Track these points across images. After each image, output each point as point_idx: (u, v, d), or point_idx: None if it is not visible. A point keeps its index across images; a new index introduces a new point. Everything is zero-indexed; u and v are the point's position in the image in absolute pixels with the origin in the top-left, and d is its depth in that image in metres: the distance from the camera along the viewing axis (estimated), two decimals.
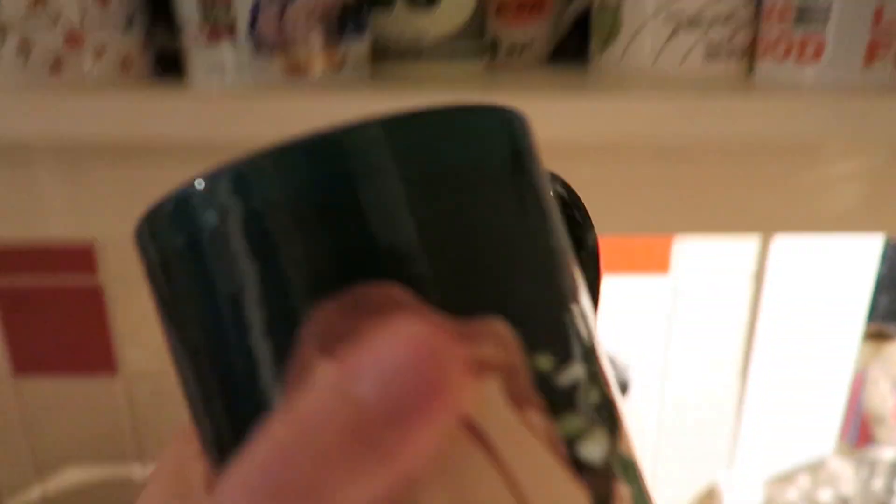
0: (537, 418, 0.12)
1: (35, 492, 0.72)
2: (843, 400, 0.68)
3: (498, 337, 0.12)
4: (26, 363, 0.66)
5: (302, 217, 0.12)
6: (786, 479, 0.71)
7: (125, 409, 0.68)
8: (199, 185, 0.12)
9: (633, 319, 0.63)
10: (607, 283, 0.61)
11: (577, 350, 0.13)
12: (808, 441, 0.70)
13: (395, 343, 0.10)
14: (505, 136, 0.14)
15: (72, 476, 0.71)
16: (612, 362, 0.64)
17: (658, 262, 0.61)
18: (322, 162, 0.12)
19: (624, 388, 0.63)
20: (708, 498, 0.71)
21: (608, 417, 0.14)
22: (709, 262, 0.62)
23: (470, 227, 0.13)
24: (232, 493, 0.10)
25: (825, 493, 0.69)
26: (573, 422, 0.13)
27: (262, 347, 0.12)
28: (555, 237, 0.14)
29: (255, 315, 0.12)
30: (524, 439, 0.12)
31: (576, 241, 0.18)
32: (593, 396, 0.14)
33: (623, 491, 0.13)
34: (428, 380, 0.10)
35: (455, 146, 0.13)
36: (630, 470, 0.14)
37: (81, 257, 0.62)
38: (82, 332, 0.65)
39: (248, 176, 0.12)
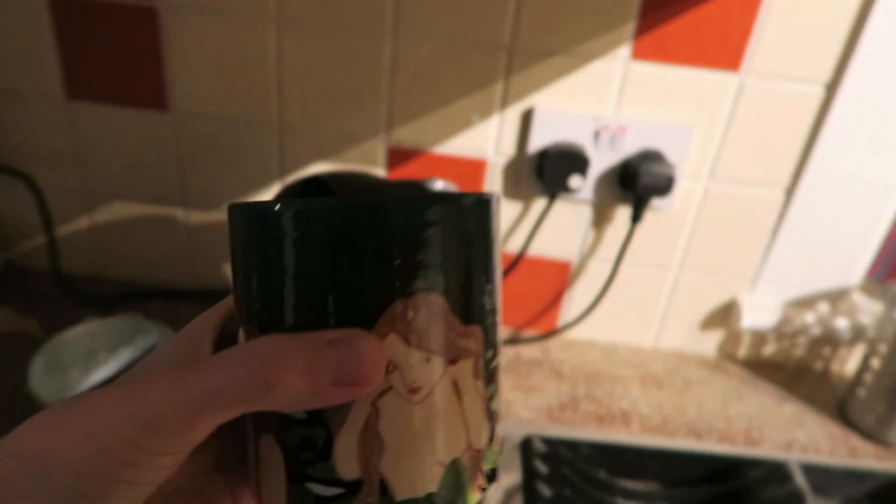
0: (480, 385, 0.22)
1: (83, 221, 0.75)
2: (880, 237, 0.68)
3: (476, 337, 0.22)
4: (80, 88, 0.67)
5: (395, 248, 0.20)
6: (805, 303, 0.72)
7: (173, 148, 0.70)
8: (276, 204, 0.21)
9: (691, 114, 0.62)
10: (676, 71, 0.59)
11: (499, 348, 0.24)
12: (835, 272, 0.70)
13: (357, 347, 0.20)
14: (488, 213, 0.23)
15: (118, 210, 0.74)
16: (660, 158, 0.63)
17: (730, 58, 0.59)
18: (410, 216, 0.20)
19: (667, 186, 0.63)
20: (726, 313, 0.73)
21: (498, 383, 0.24)
22: (783, 63, 0.59)
23: (472, 273, 0.22)
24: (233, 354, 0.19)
25: (841, 321, 0.71)
26: (492, 388, 0.23)
27: (357, 318, 0.20)
28: (498, 283, 0.24)
29: (354, 299, 0.21)
30: (474, 395, 0.22)
31: None
32: (498, 373, 0.24)
33: (499, 430, 0.24)
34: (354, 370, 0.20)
35: (469, 220, 0.22)
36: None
37: None
38: (137, 62, 0.65)
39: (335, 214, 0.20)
